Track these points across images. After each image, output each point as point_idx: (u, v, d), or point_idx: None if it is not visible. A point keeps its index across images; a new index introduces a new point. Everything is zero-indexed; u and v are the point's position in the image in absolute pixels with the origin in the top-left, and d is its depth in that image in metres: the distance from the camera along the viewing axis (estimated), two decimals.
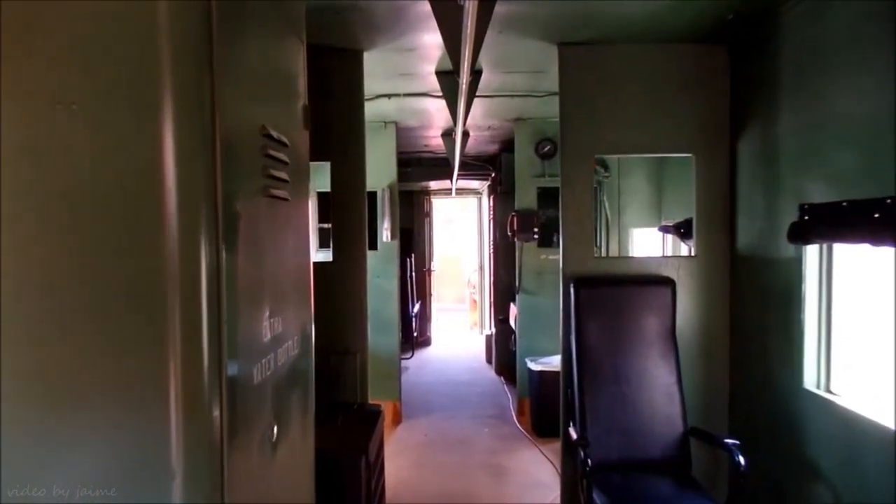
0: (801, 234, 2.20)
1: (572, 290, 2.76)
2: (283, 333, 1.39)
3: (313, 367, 1.68)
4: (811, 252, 2.28)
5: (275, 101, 1.41)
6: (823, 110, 2.18)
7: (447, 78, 3.19)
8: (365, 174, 2.94)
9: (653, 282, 2.82)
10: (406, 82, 3.56)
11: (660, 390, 2.68)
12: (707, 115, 2.84)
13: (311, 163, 3.06)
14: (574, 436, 2.49)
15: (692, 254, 2.89)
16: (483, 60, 3.12)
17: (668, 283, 2.78)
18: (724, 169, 2.84)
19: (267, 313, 1.28)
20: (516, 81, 3.57)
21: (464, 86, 2.33)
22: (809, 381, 2.28)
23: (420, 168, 7.02)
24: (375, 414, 2.62)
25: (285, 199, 1.43)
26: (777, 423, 2.46)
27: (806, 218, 2.17)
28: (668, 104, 2.85)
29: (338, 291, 2.87)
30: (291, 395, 1.47)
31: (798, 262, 2.31)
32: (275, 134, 1.32)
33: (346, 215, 2.90)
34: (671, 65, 2.85)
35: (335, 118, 2.88)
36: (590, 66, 2.85)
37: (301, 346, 1.56)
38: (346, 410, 2.57)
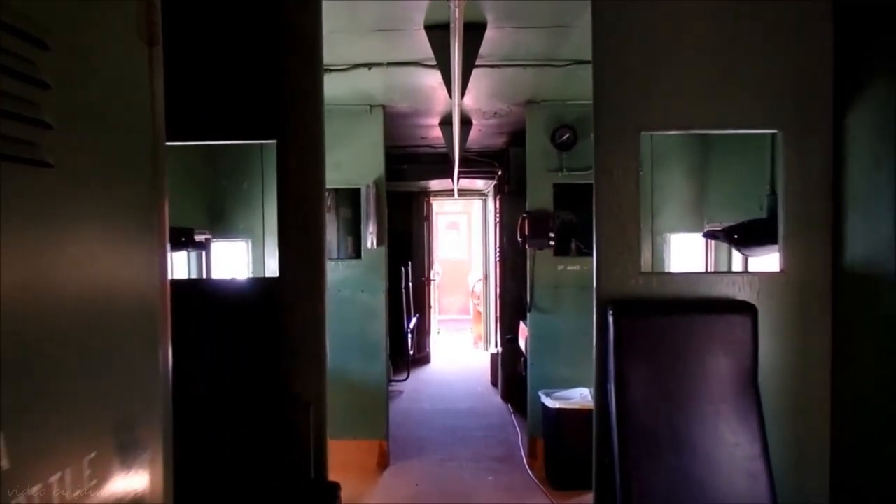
0: None
1: (611, 320, 1.96)
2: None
3: (166, 480, 0.90)
4: None
5: None
6: None
7: (439, 34, 2.41)
8: (324, 160, 2.14)
9: (725, 308, 2.01)
10: (390, 45, 2.77)
11: (737, 465, 1.87)
12: (800, 78, 2.04)
13: (263, 141, 2.27)
14: None
15: (780, 268, 2.07)
16: (487, 9, 2.33)
17: (748, 310, 1.97)
18: (824, 150, 2.02)
19: None
20: (531, 44, 2.77)
21: (456, 11, 1.55)
22: None
23: (418, 166, 6.26)
24: (329, 500, 1.81)
25: (41, 165, 0.65)
26: None
27: None
28: (746, 62, 2.04)
29: (285, 319, 2.08)
30: None
31: None
32: None
33: (299, 214, 2.11)
34: (749, 7, 2.05)
35: (282, 82, 2.09)
36: (635, 9, 2.06)
37: (117, 459, 0.77)
38: (279, 500, 1.77)
